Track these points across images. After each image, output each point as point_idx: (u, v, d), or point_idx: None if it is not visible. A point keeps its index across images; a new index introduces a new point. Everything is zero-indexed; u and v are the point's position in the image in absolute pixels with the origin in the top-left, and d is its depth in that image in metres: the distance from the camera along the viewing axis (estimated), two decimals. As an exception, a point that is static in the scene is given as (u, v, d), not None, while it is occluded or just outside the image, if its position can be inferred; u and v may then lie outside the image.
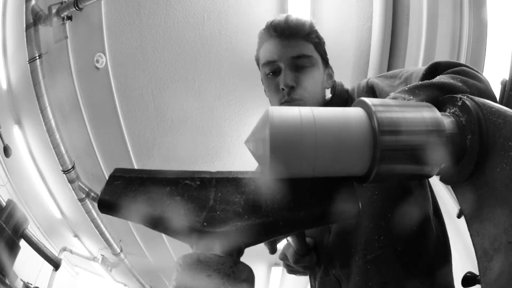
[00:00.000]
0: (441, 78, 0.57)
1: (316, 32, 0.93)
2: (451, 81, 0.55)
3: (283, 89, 0.88)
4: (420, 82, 0.56)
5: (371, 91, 0.85)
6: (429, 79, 0.58)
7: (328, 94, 0.98)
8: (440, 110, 0.44)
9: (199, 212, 0.40)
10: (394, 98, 0.53)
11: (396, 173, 0.42)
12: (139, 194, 0.42)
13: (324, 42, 0.95)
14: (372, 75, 2.39)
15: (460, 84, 0.54)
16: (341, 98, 0.94)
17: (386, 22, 2.24)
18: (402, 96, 0.52)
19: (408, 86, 0.55)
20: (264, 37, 0.93)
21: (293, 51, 0.88)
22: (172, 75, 2.86)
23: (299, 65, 0.89)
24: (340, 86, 0.97)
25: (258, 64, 0.98)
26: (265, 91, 1.00)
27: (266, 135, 0.40)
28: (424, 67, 0.71)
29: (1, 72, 3.53)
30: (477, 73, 0.59)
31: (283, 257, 0.94)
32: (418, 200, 0.83)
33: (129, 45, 2.80)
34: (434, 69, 0.68)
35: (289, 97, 0.88)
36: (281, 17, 0.91)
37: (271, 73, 0.91)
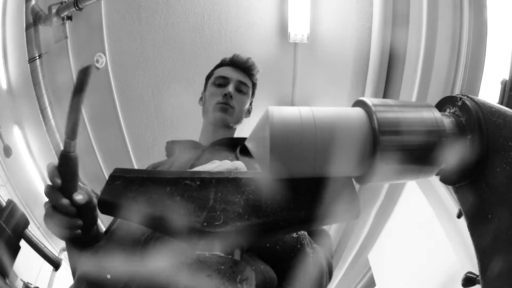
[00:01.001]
0: None
1: (256, 79, 1.25)
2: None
3: (225, 94, 1.14)
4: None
5: None
6: None
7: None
8: (440, 110, 0.44)
9: (199, 212, 0.40)
10: None
11: (396, 173, 0.43)
12: (139, 194, 0.42)
13: (256, 86, 1.27)
14: (372, 76, 2.39)
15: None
16: None
17: (386, 22, 2.23)
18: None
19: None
20: (226, 63, 1.25)
21: (243, 78, 1.20)
22: (172, 75, 2.86)
23: (240, 89, 1.19)
24: None
25: (207, 78, 1.26)
26: (200, 100, 1.28)
27: (266, 135, 0.40)
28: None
29: (1, 72, 3.53)
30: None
31: None
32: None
33: (129, 45, 2.80)
34: None
35: (224, 99, 1.14)
36: (243, 55, 1.23)
37: (218, 84, 1.18)
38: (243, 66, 1.22)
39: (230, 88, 1.16)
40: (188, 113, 3.02)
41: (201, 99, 1.29)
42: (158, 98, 3.00)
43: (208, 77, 1.28)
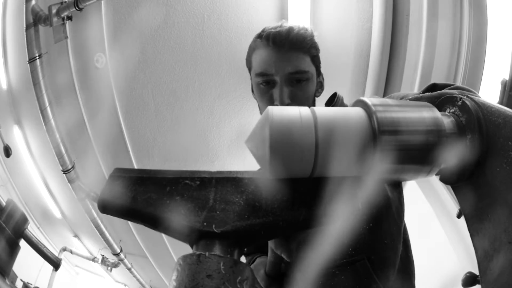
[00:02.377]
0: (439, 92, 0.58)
1: (315, 43, 0.91)
2: (449, 91, 0.56)
3: (277, 104, 0.85)
4: (421, 94, 0.57)
5: None
6: None
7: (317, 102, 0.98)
8: (440, 110, 0.44)
9: (199, 212, 0.40)
10: None
11: (396, 173, 0.43)
12: (139, 194, 0.42)
13: (319, 51, 0.93)
14: (372, 76, 2.39)
15: (457, 93, 0.55)
16: None
17: (386, 22, 2.24)
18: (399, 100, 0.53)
19: (409, 98, 0.57)
20: (260, 45, 0.88)
21: (291, 67, 0.85)
22: (172, 75, 2.86)
23: (295, 80, 0.87)
24: (341, 100, 0.95)
25: (248, 67, 0.96)
26: (252, 91, 0.99)
27: (266, 135, 0.40)
28: (419, 91, 0.73)
29: (1, 72, 3.53)
30: (473, 90, 0.61)
31: None
32: (395, 216, 0.82)
33: (129, 45, 2.80)
34: (432, 89, 0.69)
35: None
36: (282, 27, 0.87)
37: (264, 83, 0.89)
38: (288, 47, 0.85)
39: (279, 93, 0.85)
40: (188, 113, 3.02)
41: (252, 91, 1.00)
42: (158, 98, 3.00)
43: (247, 64, 0.97)
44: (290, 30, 0.86)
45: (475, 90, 0.59)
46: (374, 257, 0.76)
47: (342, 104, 0.94)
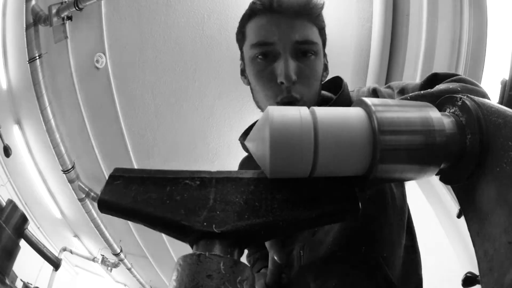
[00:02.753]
0: (440, 86, 0.57)
1: (322, 15, 0.76)
2: (450, 86, 0.55)
3: (282, 82, 0.69)
4: (422, 92, 0.56)
5: (374, 94, 0.84)
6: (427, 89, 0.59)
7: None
8: (440, 110, 0.44)
9: (199, 212, 0.40)
10: None
11: (396, 173, 0.43)
12: (139, 194, 0.42)
13: (325, 25, 0.79)
14: (372, 76, 2.39)
15: (459, 89, 0.54)
16: (347, 99, 0.81)
17: (386, 22, 2.24)
18: (399, 100, 0.53)
19: (410, 95, 0.56)
20: (259, 10, 0.71)
21: (298, 35, 0.69)
22: (172, 75, 2.86)
23: (302, 52, 0.70)
24: (347, 87, 0.85)
25: (240, 41, 0.80)
26: (242, 74, 0.82)
27: (266, 135, 0.40)
28: (420, 81, 0.71)
29: (1, 72, 3.53)
30: (475, 82, 0.60)
31: None
32: (399, 211, 0.80)
33: (129, 45, 2.80)
34: (433, 79, 0.68)
35: (288, 95, 0.69)
36: None
37: (261, 56, 0.71)
38: (297, 10, 0.69)
39: (283, 67, 0.67)
40: (188, 113, 3.02)
41: (242, 73, 0.82)
42: (158, 98, 3.00)
43: (239, 37, 0.80)
44: None
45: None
46: (387, 254, 0.73)
47: (348, 92, 0.86)
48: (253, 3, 0.74)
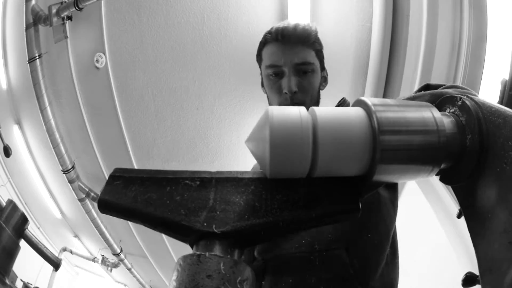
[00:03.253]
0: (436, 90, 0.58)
1: (318, 39, 0.98)
2: (443, 90, 0.56)
3: (286, 93, 0.93)
4: (413, 94, 0.57)
5: None
6: None
7: (322, 97, 1.03)
8: (440, 110, 0.44)
9: (199, 212, 0.40)
10: None
11: (396, 173, 0.42)
12: (139, 194, 0.42)
13: (323, 47, 1.01)
14: (372, 76, 2.39)
15: (452, 91, 0.55)
16: None
17: (386, 22, 2.23)
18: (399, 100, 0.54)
19: (403, 98, 0.57)
20: (270, 40, 0.97)
21: (298, 58, 0.93)
22: (172, 75, 2.86)
23: (301, 71, 0.94)
24: (347, 104, 1.03)
25: (259, 62, 1.04)
26: (262, 86, 1.06)
27: (266, 135, 0.40)
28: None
29: (1, 72, 3.53)
30: (469, 89, 0.61)
31: None
32: (384, 214, 0.84)
33: (129, 45, 2.80)
34: (425, 89, 0.70)
35: (291, 101, 0.93)
36: (290, 23, 0.96)
37: (273, 75, 0.96)
38: (295, 40, 0.94)
39: (287, 82, 0.92)
40: (188, 113, 3.02)
41: (262, 85, 1.07)
42: (158, 98, 3.00)
43: (258, 59, 1.05)
44: (296, 25, 0.95)
45: (474, 91, 0.59)
46: (353, 249, 0.77)
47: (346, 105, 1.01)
48: (266, 34, 0.99)
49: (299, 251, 0.78)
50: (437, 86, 0.66)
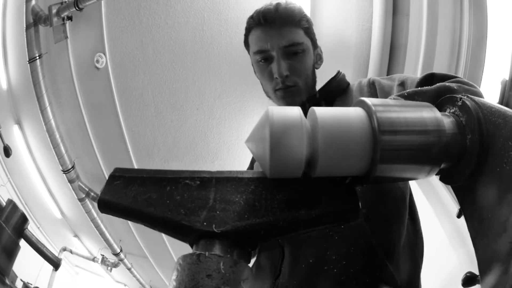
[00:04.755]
0: (438, 83, 0.58)
1: (305, 16, 0.93)
2: (448, 84, 0.56)
3: (277, 78, 0.89)
4: (419, 88, 0.57)
5: (373, 86, 0.88)
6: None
7: (320, 78, 1.00)
8: (440, 110, 0.44)
9: (199, 212, 0.40)
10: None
11: (396, 173, 0.42)
12: (139, 194, 0.42)
13: (312, 24, 0.96)
14: (372, 75, 2.39)
15: (456, 88, 0.55)
16: (340, 85, 0.97)
17: (386, 22, 2.23)
18: (400, 99, 0.54)
19: (407, 91, 0.57)
20: (253, 25, 0.92)
21: (284, 40, 0.89)
22: (172, 75, 2.86)
23: (291, 52, 0.90)
24: (343, 76, 1.00)
25: (247, 48, 1.00)
26: (255, 73, 1.01)
27: (266, 135, 0.40)
28: (419, 76, 0.72)
29: (1, 72, 3.53)
30: (472, 83, 0.61)
31: None
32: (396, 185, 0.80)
33: (129, 45, 2.80)
34: (430, 78, 0.69)
35: (283, 85, 0.90)
36: (271, 5, 0.91)
37: (262, 60, 0.92)
38: (279, 22, 0.89)
39: (277, 67, 0.88)
40: (188, 113, 3.02)
41: (255, 72, 1.02)
42: (158, 98, 3.00)
43: (246, 47, 1.00)
44: (277, 6, 0.90)
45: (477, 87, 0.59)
46: (372, 215, 0.72)
47: (343, 79, 0.99)
48: (249, 19, 0.94)
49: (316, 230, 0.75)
50: (442, 77, 0.66)
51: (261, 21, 0.90)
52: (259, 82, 1.02)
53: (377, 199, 0.75)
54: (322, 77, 1.01)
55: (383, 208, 0.75)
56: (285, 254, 0.77)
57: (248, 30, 0.95)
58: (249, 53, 0.99)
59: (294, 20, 0.90)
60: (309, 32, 0.94)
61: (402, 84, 0.79)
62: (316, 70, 0.99)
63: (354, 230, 0.72)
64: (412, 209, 0.85)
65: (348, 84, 0.99)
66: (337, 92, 0.96)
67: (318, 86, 1.00)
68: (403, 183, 0.82)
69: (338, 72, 1.00)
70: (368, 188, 0.73)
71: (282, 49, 0.89)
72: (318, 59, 0.99)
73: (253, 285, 0.82)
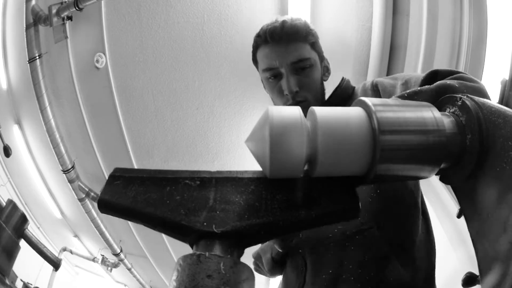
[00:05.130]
0: (438, 82, 0.58)
1: (311, 31, 0.94)
2: (449, 82, 0.56)
3: (287, 94, 0.91)
4: (418, 88, 0.57)
5: (376, 89, 0.88)
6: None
7: (327, 86, 1.01)
8: (440, 110, 0.44)
9: (199, 212, 0.40)
10: None
11: (396, 172, 0.42)
12: (139, 194, 0.42)
13: (318, 37, 0.97)
14: (372, 76, 2.39)
15: (457, 86, 0.55)
16: (345, 92, 0.99)
17: (386, 22, 2.23)
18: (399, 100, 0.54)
19: (407, 92, 0.57)
20: (260, 43, 0.94)
21: (292, 57, 0.90)
22: (172, 75, 2.86)
23: (299, 68, 0.91)
24: (347, 82, 1.02)
25: (255, 65, 1.01)
26: (264, 88, 1.03)
27: (266, 135, 0.40)
28: (423, 74, 0.72)
29: (1, 72, 3.53)
30: (475, 78, 0.60)
31: (257, 257, 0.96)
32: (410, 184, 0.82)
33: (129, 45, 2.80)
34: (433, 76, 0.69)
35: (294, 101, 0.91)
36: (276, 22, 0.92)
37: (272, 77, 0.93)
38: (286, 39, 0.90)
39: (286, 83, 0.90)
40: (188, 113, 3.02)
41: (264, 88, 1.04)
42: (158, 98, 3.00)
43: (254, 63, 1.02)
44: (283, 23, 0.91)
45: (480, 84, 0.59)
46: (385, 224, 0.76)
47: (348, 85, 1.01)
48: (255, 37, 0.96)
49: (333, 241, 0.77)
50: (445, 73, 0.66)
51: (268, 39, 0.91)
52: (260, 81, 1.03)
53: (389, 208, 0.78)
54: (328, 94, 1.02)
55: (395, 216, 0.78)
56: (307, 265, 0.81)
57: (255, 48, 0.97)
58: (257, 69, 1.00)
59: (300, 36, 0.91)
60: (315, 46, 0.95)
61: (405, 83, 0.79)
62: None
63: (368, 240, 0.75)
64: (423, 208, 0.87)
65: (354, 88, 1.00)
66: (344, 98, 0.97)
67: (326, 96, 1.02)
68: (415, 186, 0.85)
69: (343, 79, 1.02)
70: (379, 198, 0.76)
71: (290, 66, 0.90)
72: (326, 71, 1.01)
73: None
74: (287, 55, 0.90)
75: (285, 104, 0.93)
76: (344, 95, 0.98)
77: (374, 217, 0.76)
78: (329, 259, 0.77)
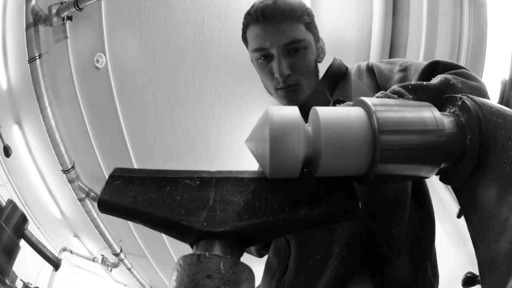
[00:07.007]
0: (441, 78, 0.58)
1: (306, 10, 0.87)
2: (451, 81, 0.56)
3: (277, 77, 0.85)
4: (424, 83, 0.56)
5: (371, 72, 0.85)
6: (428, 76, 0.59)
7: (321, 67, 0.96)
8: (440, 110, 0.44)
9: (199, 212, 0.40)
10: (396, 91, 0.55)
11: (396, 172, 0.42)
12: (139, 194, 0.42)
13: (314, 17, 0.90)
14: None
15: (460, 86, 0.55)
16: (338, 72, 0.93)
17: (386, 22, 2.23)
18: (404, 92, 0.54)
19: (412, 84, 0.56)
20: (251, 21, 0.86)
21: (285, 38, 0.82)
22: (172, 75, 2.86)
23: (292, 50, 0.84)
24: (339, 61, 0.96)
25: (245, 44, 0.93)
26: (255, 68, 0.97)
27: (266, 135, 0.40)
28: (424, 63, 0.71)
29: (1, 72, 3.53)
30: (476, 76, 0.60)
31: None
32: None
33: (129, 45, 2.80)
34: (434, 66, 0.68)
35: (285, 84, 0.85)
36: (269, 0, 0.84)
37: (262, 58, 0.86)
38: (278, 17, 0.82)
39: (277, 66, 0.83)
40: (188, 113, 3.02)
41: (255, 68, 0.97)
42: (158, 98, 3.00)
43: (244, 43, 0.94)
44: (276, 0, 0.83)
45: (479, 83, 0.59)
46: (373, 202, 0.70)
47: (340, 63, 0.96)
48: (246, 14, 0.89)
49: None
50: (447, 64, 0.65)
51: (259, 17, 0.83)
52: (259, 78, 0.97)
53: (375, 190, 0.72)
54: (321, 74, 0.99)
55: (382, 193, 0.72)
56: (292, 249, 0.76)
57: (245, 26, 0.89)
58: (247, 48, 0.93)
59: (294, 16, 0.83)
60: (310, 26, 0.87)
61: (405, 70, 0.76)
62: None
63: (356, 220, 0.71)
64: (420, 194, 0.80)
65: (347, 68, 0.95)
66: (337, 78, 0.92)
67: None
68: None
69: (334, 59, 0.96)
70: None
71: (283, 47, 0.83)
72: (321, 53, 0.94)
73: (263, 281, 0.81)
74: (280, 35, 0.82)
75: (276, 87, 0.87)
76: (336, 75, 0.92)
77: (361, 195, 0.71)
78: (316, 243, 0.72)
